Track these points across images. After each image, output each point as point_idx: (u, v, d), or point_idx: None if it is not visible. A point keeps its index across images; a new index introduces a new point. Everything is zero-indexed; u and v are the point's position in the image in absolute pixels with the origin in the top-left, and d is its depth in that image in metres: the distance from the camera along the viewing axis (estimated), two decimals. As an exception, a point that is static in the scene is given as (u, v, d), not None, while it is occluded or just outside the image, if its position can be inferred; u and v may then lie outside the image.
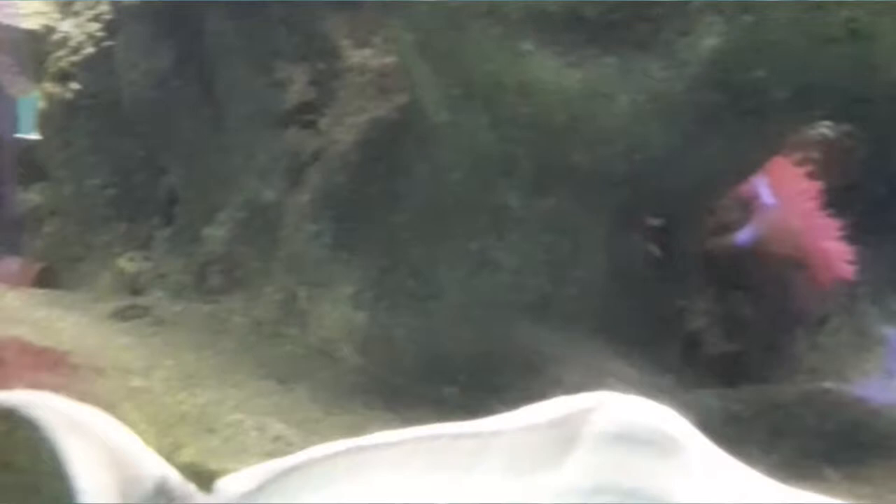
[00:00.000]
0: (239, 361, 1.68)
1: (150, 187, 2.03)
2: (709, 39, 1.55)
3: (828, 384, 1.81)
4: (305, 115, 1.85)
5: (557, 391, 1.57)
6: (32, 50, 2.18)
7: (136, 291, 1.95)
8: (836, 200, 1.86)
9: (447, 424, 0.88)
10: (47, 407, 0.99)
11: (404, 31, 1.68)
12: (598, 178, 1.59)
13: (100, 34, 2.10)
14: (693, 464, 0.83)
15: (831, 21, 1.55)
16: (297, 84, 1.86)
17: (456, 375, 1.61)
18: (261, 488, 0.89)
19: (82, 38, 2.12)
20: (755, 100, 1.59)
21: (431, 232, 1.65)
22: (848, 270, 1.74)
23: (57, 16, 2.18)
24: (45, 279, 2.10)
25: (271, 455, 1.35)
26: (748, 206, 1.79)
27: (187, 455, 1.38)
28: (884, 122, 1.70)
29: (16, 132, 2.43)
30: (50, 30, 2.16)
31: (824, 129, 1.93)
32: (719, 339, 1.79)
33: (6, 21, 2.22)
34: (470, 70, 1.61)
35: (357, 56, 1.84)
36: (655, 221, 1.64)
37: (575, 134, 1.58)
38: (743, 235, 1.76)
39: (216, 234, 1.89)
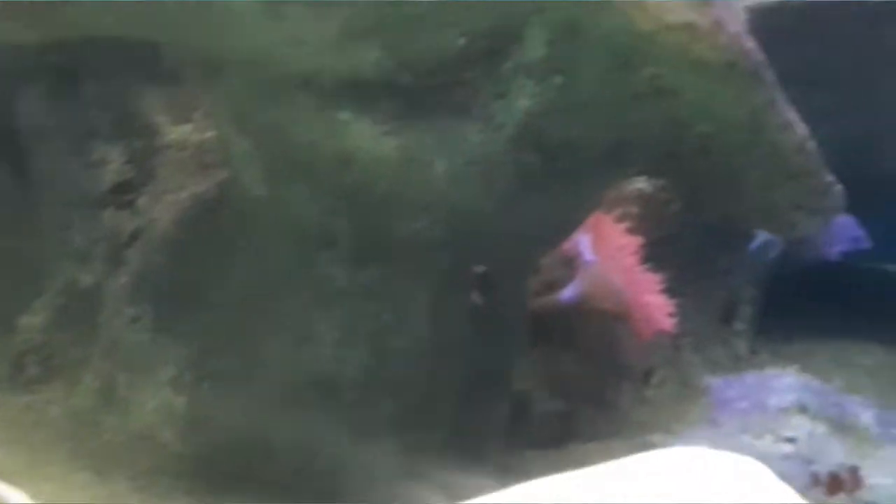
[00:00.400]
0: (54, 454, 1.62)
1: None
2: (522, 101, 1.58)
3: (654, 437, 1.83)
4: (123, 194, 1.81)
5: (380, 467, 1.58)
6: None
7: (-53, 388, 1.87)
8: (656, 253, 1.90)
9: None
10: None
11: (221, 105, 1.66)
12: (420, 244, 1.58)
13: None
14: None
15: (636, 79, 1.59)
16: (114, 163, 1.82)
17: (279, 456, 1.58)
18: None
19: None
20: (570, 158, 1.62)
21: (253, 309, 1.63)
22: (668, 323, 1.77)
23: None
24: None
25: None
26: (571, 264, 1.81)
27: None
28: (694, 175, 1.74)
29: None
30: None
31: (641, 184, 1.98)
32: (547, 398, 1.81)
33: None
34: (288, 142, 1.60)
35: (176, 132, 1.81)
36: (480, 284, 1.65)
37: (395, 202, 1.58)
38: (566, 293, 1.78)
39: (33, 322, 1.83)
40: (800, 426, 1.99)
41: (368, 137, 1.56)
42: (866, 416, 2.10)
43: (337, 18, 1.50)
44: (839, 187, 1.70)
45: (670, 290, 1.84)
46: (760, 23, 2.16)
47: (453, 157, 1.57)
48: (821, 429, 2.00)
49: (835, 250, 2.26)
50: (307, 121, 1.57)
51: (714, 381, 2.07)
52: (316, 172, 1.58)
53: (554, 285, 1.80)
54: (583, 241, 1.81)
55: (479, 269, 1.63)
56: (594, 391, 1.86)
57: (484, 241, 1.61)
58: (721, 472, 0.90)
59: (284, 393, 1.61)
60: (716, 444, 1.94)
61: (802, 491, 1.93)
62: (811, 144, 1.66)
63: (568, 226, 1.76)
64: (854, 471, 1.81)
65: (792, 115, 1.66)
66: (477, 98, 1.58)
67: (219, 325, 1.65)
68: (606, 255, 1.80)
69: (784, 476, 1.85)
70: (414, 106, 1.58)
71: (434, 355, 1.61)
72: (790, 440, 1.96)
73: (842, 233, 2.23)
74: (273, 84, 1.58)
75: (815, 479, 1.91)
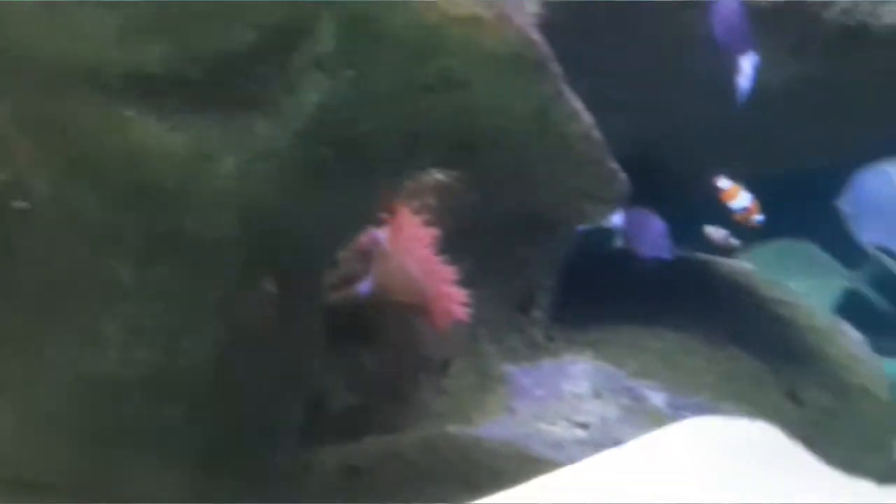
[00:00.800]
0: None
1: None
2: (313, 95, 1.57)
3: (451, 428, 1.84)
4: None
5: (169, 468, 1.56)
6: None
7: None
8: (454, 244, 1.91)
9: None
10: None
11: (0, 102, 1.60)
12: (211, 242, 1.56)
13: None
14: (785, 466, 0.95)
15: (428, 71, 1.60)
16: None
17: (63, 461, 1.54)
18: None
19: None
20: (363, 152, 1.61)
21: (37, 311, 1.57)
22: (464, 313, 1.79)
23: None
24: None
25: None
26: (368, 257, 1.81)
27: None
28: (488, 166, 1.77)
29: None
30: None
31: (440, 175, 1.99)
32: (344, 393, 1.80)
33: None
34: (71, 140, 1.55)
35: (-45, 131, 1.73)
36: (275, 279, 1.64)
37: (184, 199, 1.54)
38: (363, 286, 1.77)
39: None
40: (593, 412, 2.04)
41: (154, 134, 1.52)
42: (657, 400, 2.16)
43: (119, 12, 1.46)
44: (624, 175, 1.75)
45: (468, 281, 1.85)
46: (553, 16, 2.21)
47: (243, 152, 1.54)
48: (613, 413, 2.05)
49: (640, 254, 2.30)
50: (90, 118, 1.53)
51: (512, 370, 2.09)
52: (101, 170, 1.54)
53: (351, 279, 1.80)
54: (379, 234, 1.81)
55: (274, 264, 1.61)
56: (392, 383, 1.87)
57: (277, 237, 1.60)
58: (739, 438, 0.95)
59: (69, 397, 1.56)
60: (512, 432, 1.98)
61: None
62: (597, 134, 1.70)
63: (363, 219, 1.76)
64: None
65: (578, 105, 1.70)
66: (267, 92, 1.56)
67: (1, 328, 1.59)
68: (403, 247, 1.80)
69: (576, 462, 1.90)
70: (201, 101, 1.55)
71: (227, 353, 1.58)
72: (583, 426, 2.01)
73: (651, 240, 2.28)
74: (53, 80, 1.53)
75: None
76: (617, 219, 2.20)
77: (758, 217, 2.44)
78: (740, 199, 2.43)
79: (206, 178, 1.55)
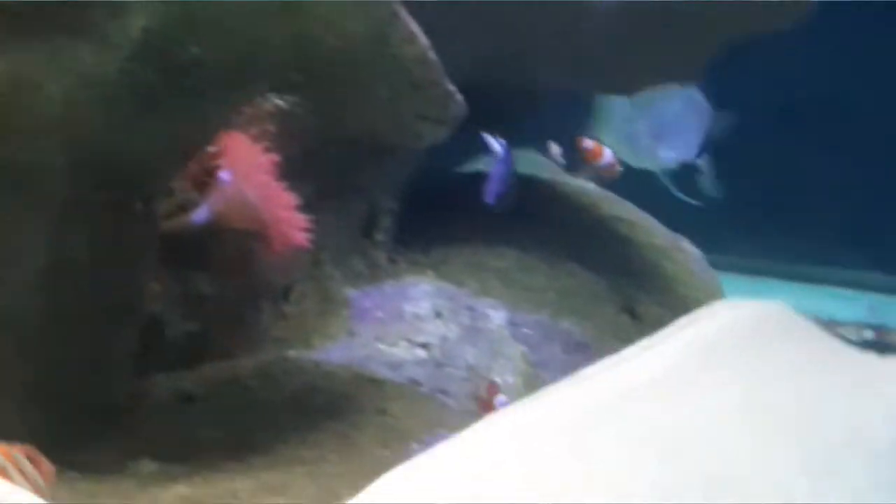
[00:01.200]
0: None
1: None
2: (140, 20, 1.52)
3: (290, 352, 1.84)
4: None
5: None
6: None
7: None
8: (296, 170, 1.89)
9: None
10: None
11: None
12: (35, 171, 1.51)
13: None
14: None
15: (262, -7, 1.56)
16: None
17: None
18: None
19: None
20: (194, 77, 1.57)
21: None
22: (303, 239, 1.77)
23: None
24: None
25: None
26: (204, 185, 1.78)
27: None
28: (326, 90, 1.75)
29: None
30: None
31: (278, 101, 1.96)
32: (180, 320, 1.78)
33: None
34: None
35: None
36: (105, 209, 1.59)
37: (6, 128, 1.49)
38: (199, 214, 1.74)
39: None
40: (434, 332, 2.05)
41: (-28, 62, 1.47)
42: (498, 318, 2.18)
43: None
44: (460, 97, 1.75)
45: (310, 206, 1.83)
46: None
47: (67, 79, 1.49)
48: (454, 333, 2.07)
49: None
50: None
51: (354, 293, 2.09)
52: (-83, 100, 1.47)
53: (187, 207, 1.76)
54: (217, 161, 1.78)
55: (102, 192, 1.57)
56: (230, 310, 1.85)
57: (105, 165, 1.55)
58: (755, 317, 0.99)
59: None
60: (352, 354, 1.98)
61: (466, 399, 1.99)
62: (432, 55, 1.69)
63: (196, 146, 1.72)
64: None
65: (415, 27, 1.68)
66: (91, 17, 1.51)
67: None
68: (240, 173, 1.77)
69: (416, 381, 1.92)
70: (22, 28, 1.49)
71: (54, 284, 1.54)
72: (424, 346, 2.02)
73: (489, 183, 2.28)
74: None
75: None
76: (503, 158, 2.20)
77: (619, 168, 2.61)
78: (604, 156, 2.57)
79: (30, 106, 1.49)
